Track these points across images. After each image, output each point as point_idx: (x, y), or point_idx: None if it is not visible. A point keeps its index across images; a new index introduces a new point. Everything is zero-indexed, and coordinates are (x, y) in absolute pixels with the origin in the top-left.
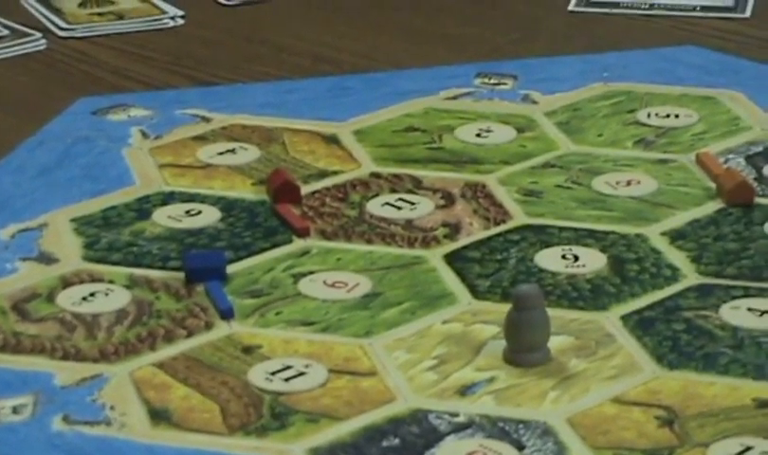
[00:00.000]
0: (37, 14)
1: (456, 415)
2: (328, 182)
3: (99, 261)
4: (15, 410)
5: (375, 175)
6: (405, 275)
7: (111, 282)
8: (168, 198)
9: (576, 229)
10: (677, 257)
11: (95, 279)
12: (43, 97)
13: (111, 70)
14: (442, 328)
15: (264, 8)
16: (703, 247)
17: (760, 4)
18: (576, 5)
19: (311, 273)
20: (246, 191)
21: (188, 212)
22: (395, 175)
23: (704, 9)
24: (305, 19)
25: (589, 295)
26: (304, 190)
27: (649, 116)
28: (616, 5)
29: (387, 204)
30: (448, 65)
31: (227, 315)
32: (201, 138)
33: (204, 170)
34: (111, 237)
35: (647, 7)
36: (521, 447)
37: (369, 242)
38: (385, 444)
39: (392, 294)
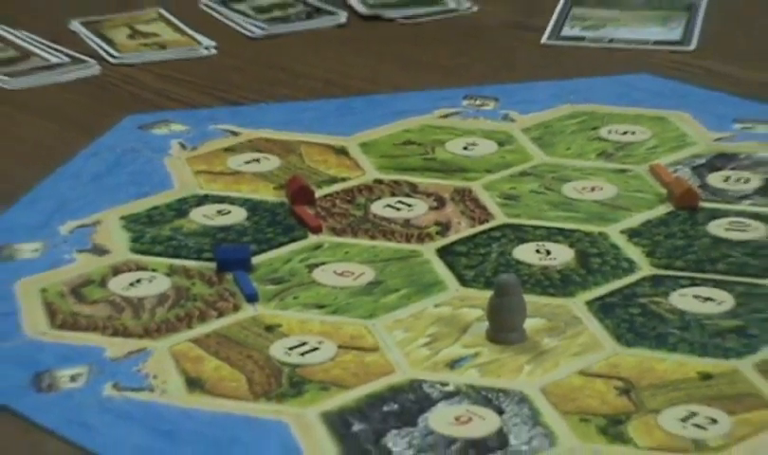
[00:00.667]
0: (92, 44)
1: (446, 385)
2: (338, 187)
3: (143, 252)
4: (72, 379)
5: (378, 181)
6: (403, 266)
7: (154, 270)
8: (202, 200)
9: (547, 228)
10: (633, 252)
11: (140, 268)
12: (96, 114)
13: (154, 92)
14: (434, 311)
15: (283, 40)
16: (655, 244)
17: (703, 38)
18: (548, 39)
19: (323, 264)
20: (268, 195)
21: (219, 212)
22: (395, 181)
23: (656, 42)
24: (318, 50)
25: (559, 283)
26: (318, 193)
27: (609, 132)
28: (582, 39)
29: (388, 206)
30: (439, 89)
31: (251, 299)
32: (230, 150)
33: (233, 176)
34: (154, 232)
35: (607, 41)
36: (500, 412)
37: (372, 238)
38: (386, 409)
39: (391, 282)
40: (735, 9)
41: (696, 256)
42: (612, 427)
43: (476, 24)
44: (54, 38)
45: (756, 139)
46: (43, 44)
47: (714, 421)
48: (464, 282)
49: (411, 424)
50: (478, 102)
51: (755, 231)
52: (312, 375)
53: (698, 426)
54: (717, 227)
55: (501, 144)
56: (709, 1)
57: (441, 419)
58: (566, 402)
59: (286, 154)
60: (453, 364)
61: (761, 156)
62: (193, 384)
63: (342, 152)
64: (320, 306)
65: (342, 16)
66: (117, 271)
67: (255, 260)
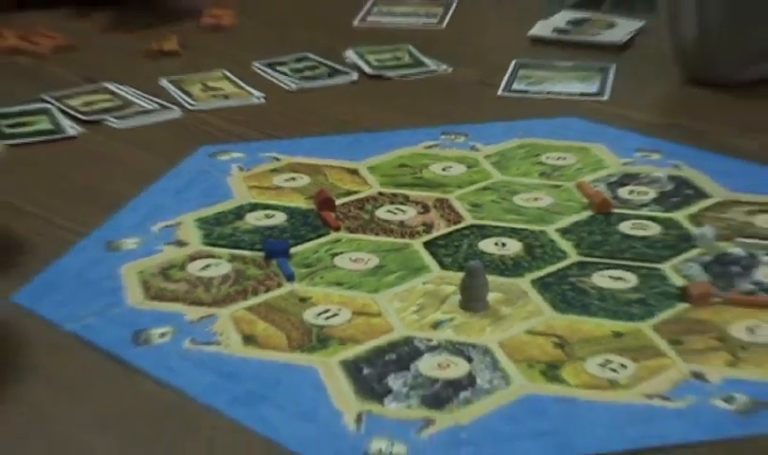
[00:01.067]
0: (176, 95)
1: (430, 341)
2: (351, 198)
3: (212, 245)
4: (161, 336)
5: (381, 194)
6: (399, 255)
7: (219, 258)
8: (254, 207)
9: (503, 227)
10: (565, 245)
11: (209, 256)
12: (178, 146)
13: (220, 130)
14: (422, 287)
15: (312, 93)
16: (581, 239)
17: (613, 91)
18: (503, 91)
19: (341, 253)
20: (301, 203)
21: (266, 216)
22: (393, 194)
23: (580, 94)
24: (337, 100)
25: (511, 267)
26: (337, 202)
27: (547, 158)
28: (527, 91)
29: (388, 211)
30: (424, 128)
31: (290, 278)
32: (274, 171)
33: (276, 190)
34: (219, 230)
35: (546, 93)
36: (470, 360)
37: (377, 234)
38: (386, 358)
39: (391, 266)
40: (635, 70)
41: (610, 248)
42: (550, 371)
43: (451, 81)
44: (148, 91)
45: (651, 164)
46: (140, 95)
47: (624, 366)
48: (443, 266)
49: (405, 369)
50: (452, 137)
51: (651, 230)
52: (333, 334)
53: (612, 369)
54: (624, 227)
55: (469, 167)
56: (617, 66)
57: (427, 365)
58: (517, 353)
59: (315, 174)
60: (435, 325)
61: (655, 176)
62: (248, 340)
63: (355, 172)
64: (339, 284)
65: (354, 75)
66: (192, 258)
67: (292, 250)
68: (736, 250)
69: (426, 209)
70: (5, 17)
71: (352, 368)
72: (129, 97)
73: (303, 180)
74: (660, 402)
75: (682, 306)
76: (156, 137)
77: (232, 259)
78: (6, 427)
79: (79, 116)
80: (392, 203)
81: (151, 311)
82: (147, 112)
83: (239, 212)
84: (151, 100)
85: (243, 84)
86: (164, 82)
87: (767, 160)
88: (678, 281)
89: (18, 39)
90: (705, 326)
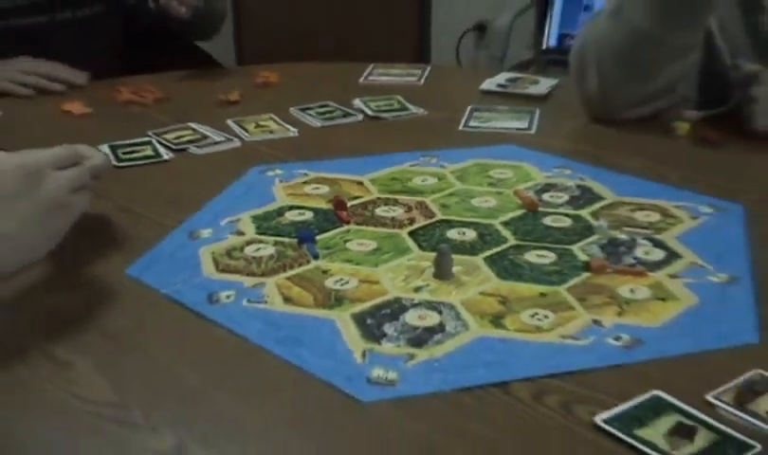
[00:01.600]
0: (237, 130)
1: (413, 300)
2: (358, 201)
3: (261, 234)
4: (227, 297)
5: (379, 198)
6: (391, 241)
7: (266, 243)
8: (290, 208)
9: (463, 221)
10: (507, 233)
11: (260, 242)
12: (238, 166)
13: (267, 155)
14: (407, 263)
15: (330, 128)
16: (518, 229)
17: (538, 127)
18: (463, 127)
19: (351, 240)
20: (323, 205)
21: (299, 214)
22: (387, 198)
23: (516, 129)
24: (348, 133)
25: (469, 249)
26: (349, 204)
27: (494, 173)
28: (479, 127)
29: (383, 210)
30: (409, 152)
31: (315, 258)
32: (305, 183)
33: (305, 196)
34: (266, 224)
35: (493, 128)
36: (440, 313)
37: (376, 226)
38: (383, 312)
39: (385, 248)
40: (553, 113)
41: (537, 235)
42: (496, 320)
43: (427, 120)
44: (218, 128)
45: (564, 177)
46: (213, 130)
47: (546, 316)
48: (421, 248)
49: (396, 319)
50: (428, 159)
51: (565, 223)
52: (346, 296)
53: (539, 319)
54: (547, 220)
55: (439, 179)
56: (540, 110)
57: (411, 317)
58: (473, 308)
59: (332, 185)
60: (417, 289)
61: (568, 185)
62: (287, 300)
63: (360, 183)
64: (349, 261)
65: (360, 117)
66: (248, 243)
67: (318, 238)
68: (622, 236)
69: (410, 208)
70: (122, 79)
71: (359, 319)
72: (205, 132)
73: (325, 189)
74: (571, 341)
75: (585, 275)
76: (223, 160)
77: (276, 244)
78: (118, 358)
79: (171, 145)
80: (386, 204)
81: (220, 280)
82: (217, 143)
83: (280, 211)
84: (220, 134)
85: (282, 123)
86: (229, 122)
87: (644, 174)
88: (583, 257)
89: (131, 94)
90: (602, 288)
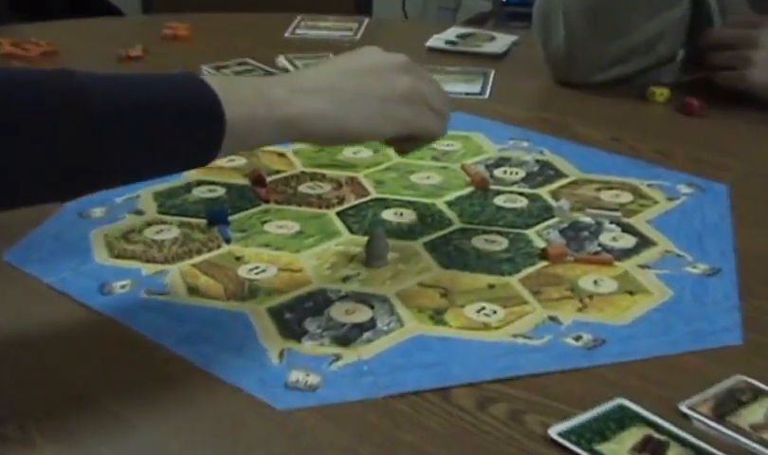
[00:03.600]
0: None
1: (340, 291)
2: (280, 176)
3: (164, 213)
4: (122, 287)
5: (303, 173)
6: (316, 222)
7: (170, 224)
8: (199, 183)
9: (401, 200)
10: (451, 215)
11: (162, 222)
12: None
13: None
14: (335, 248)
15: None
16: (463, 210)
17: (491, 92)
18: None
19: (270, 221)
20: (238, 180)
21: (209, 190)
22: (313, 173)
23: (465, 93)
24: None
25: (407, 232)
26: (268, 179)
27: (438, 145)
28: None
29: (308, 187)
30: None
31: (227, 241)
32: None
33: (218, 169)
34: (171, 202)
35: None
36: (372, 307)
37: (299, 205)
38: (305, 305)
39: (310, 231)
40: (510, 75)
41: (487, 217)
42: (436, 316)
43: None
44: None
45: (521, 150)
46: None
47: (495, 312)
48: (352, 231)
49: (319, 314)
50: None
51: (520, 203)
52: (262, 286)
53: (486, 314)
54: (499, 200)
55: (375, 151)
56: (495, 71)
57: (337, 311)
58: (410, 301)
59: (249, 156)
60: (345, 279)
61: (524, 160)
62: (192, 290)
63: (282, 155)
64: (268, 245)
65: None
66: (149, 224)
67: (231, 218)
68: (586, 219)
69: (339, 185)
70: (2, 29)
71: (276, 313)
72: None
73: (240, 161)
74: (523, 340)
75: (542, 264)
76: None
77: (181, 225)
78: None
79: None
80: (312, 180)
81: (114, 267)
82: None
83: (187, 187)
84: None
85: None
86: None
87: (614, 147)
88: (540, 243)
89: (12, 46)
90: (560, 279)
